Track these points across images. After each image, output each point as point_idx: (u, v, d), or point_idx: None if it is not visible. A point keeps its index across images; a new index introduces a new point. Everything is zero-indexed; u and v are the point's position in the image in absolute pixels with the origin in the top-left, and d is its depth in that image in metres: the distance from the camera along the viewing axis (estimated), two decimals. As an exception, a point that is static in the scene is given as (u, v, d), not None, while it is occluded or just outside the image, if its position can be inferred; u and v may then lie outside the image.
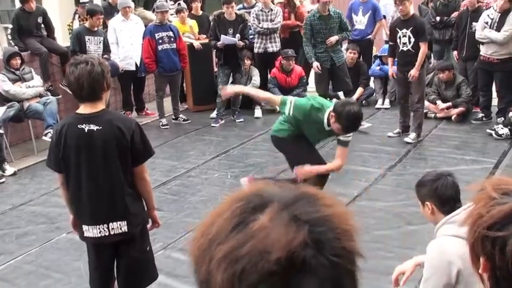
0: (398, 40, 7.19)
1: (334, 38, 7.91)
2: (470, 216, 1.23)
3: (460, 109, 8.09)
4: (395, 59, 7.49)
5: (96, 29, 8.17)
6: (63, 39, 10.94)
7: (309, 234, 0.77)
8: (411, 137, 7.29)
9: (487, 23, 7.48)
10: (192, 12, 9.45)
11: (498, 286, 1.19)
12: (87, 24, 8.26)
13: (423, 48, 7.08)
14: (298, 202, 0.82)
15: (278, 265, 0.74)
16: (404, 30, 7.10)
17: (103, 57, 7.94)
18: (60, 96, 8.16)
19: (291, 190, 0.85)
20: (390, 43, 7.53)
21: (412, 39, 7.06)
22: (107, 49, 8.27)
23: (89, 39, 8.07)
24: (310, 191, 0.86)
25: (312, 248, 0.76)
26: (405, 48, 7.14)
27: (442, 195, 2.62)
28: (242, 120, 8.66)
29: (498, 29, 7.36)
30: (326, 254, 0.77)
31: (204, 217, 0.86)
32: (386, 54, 9.06)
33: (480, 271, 1.23)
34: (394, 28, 7.30)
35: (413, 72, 7.05)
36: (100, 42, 8.17)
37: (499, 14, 7.39)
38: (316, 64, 8.02)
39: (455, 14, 8.65)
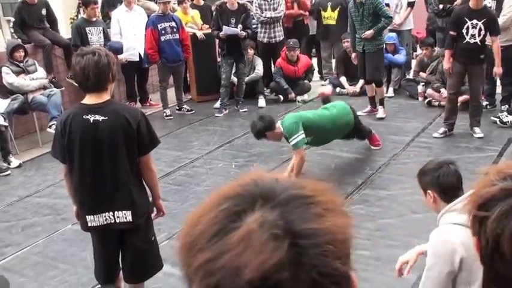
0: (464, 31, 6.52)
1: (369, 33, 7.41)
2: (470, 199, 1.25)
3: (464, 97, 8.02)
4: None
5: (94, 19, 8.18)
6: (66, 31, 10.93)
7: (287, 252, 0.70)
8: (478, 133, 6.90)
9: (485, 10, 7.43)
10: (194, 2, 9.42)
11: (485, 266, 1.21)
12: (85, 15, 8.26)
13: (497, 42, 6.67)
14: (288, 205, 0.74)
15: (250, 285, 0.69)
16: (475, 21, 6.51)
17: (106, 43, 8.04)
18: (64, 88, 8.18)
19: (286, 186, 0.78)
20: (452, 33, 6.68)
21: (483, 32, 6.53)
22: (107, 38, 8.30)
23: (90, 30, 8.08)
24: (309, 188, 0.78)
25: (289, 269, 0.69)
26: (472, 41, 6.52)
27: (444, 184, 2.62)
28: (246, 110, 8.66)
29: (497, 16, 7.32)
30: (304, 273, 0.70)
31: (192, 212, 0.81)
32: (390, 42, 9.00)
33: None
34: (462, 17, 6.57)
35: (498, 70, 6.76)
36: (100, 32, 8.19)
37: (495, 1, 7.34)
38: (353, 55, 8.02)
39: (458, 2, 8.59)
